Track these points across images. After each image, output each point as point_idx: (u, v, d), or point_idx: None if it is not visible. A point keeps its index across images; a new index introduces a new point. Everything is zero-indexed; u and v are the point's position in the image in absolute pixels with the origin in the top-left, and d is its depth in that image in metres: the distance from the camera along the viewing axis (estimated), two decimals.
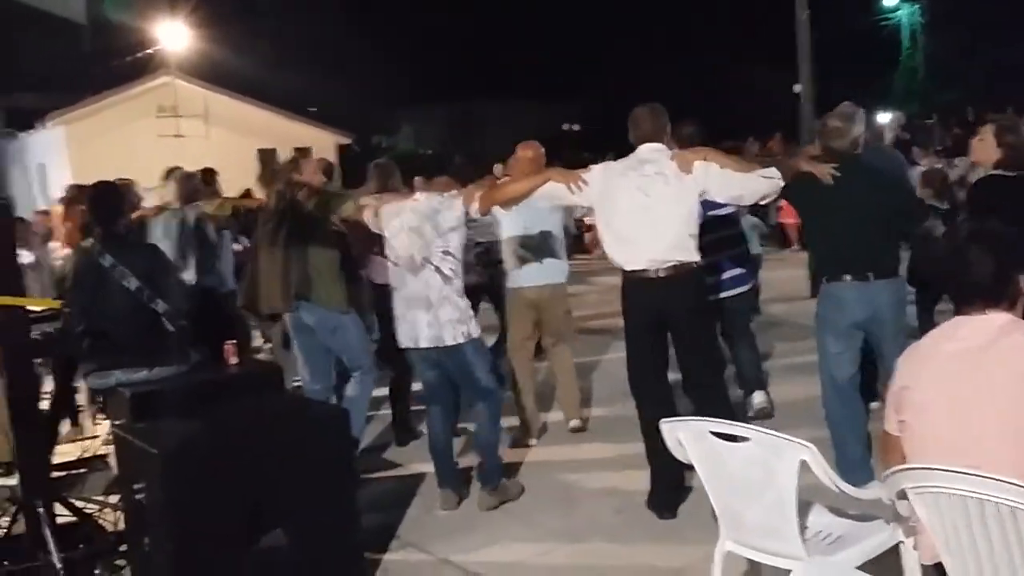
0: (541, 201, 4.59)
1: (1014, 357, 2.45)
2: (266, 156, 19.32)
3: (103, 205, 4.64)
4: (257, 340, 7.71)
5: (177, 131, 21.68)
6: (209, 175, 7.01)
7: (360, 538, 3.90)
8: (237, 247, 6.97)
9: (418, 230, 4.60)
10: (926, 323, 6.17)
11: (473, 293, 5.36)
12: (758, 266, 6.21)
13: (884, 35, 32.83)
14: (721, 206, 4.93)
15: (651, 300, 4.27)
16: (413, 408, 6.00)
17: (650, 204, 4.20)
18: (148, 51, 23.48)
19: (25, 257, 8.39)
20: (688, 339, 4.32)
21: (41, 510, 4.01)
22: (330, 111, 27.81)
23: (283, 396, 4.55)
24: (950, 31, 28.97)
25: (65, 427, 6.31)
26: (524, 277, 5.59)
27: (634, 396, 4.48)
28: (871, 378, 4.79)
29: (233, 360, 4.40)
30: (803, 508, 2.93)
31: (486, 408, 4.75)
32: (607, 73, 36.57)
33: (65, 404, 6.09)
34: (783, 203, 14.00)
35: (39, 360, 5.40)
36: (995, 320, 2.53)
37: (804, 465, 2.69)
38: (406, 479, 5.24)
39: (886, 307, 4.33)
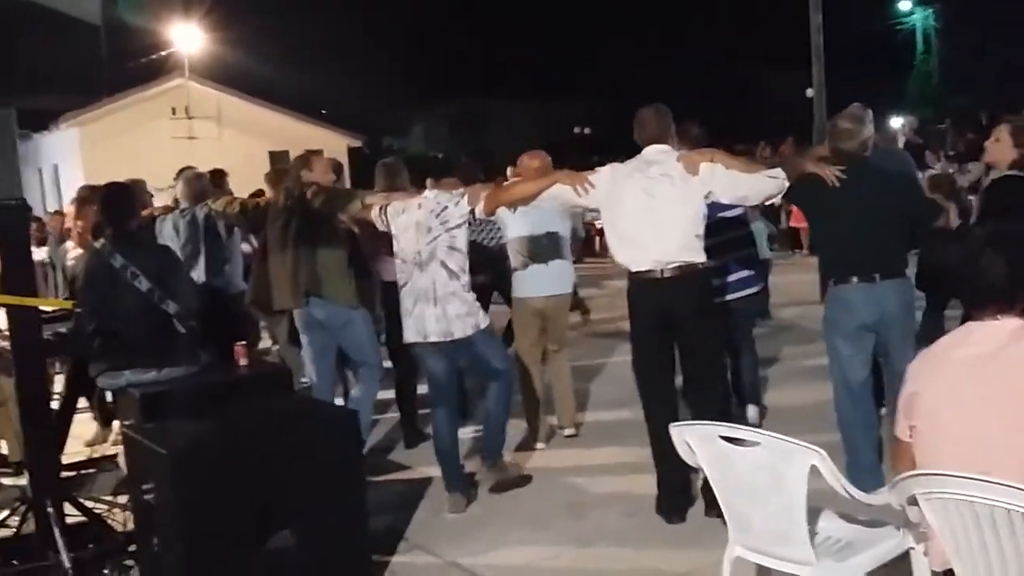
0: (547, 203, 4.59)
1: None
2: (278, 158, 19.44)
3: (115, 206, 4.66)
4: (265, 341, 7.72)
5: (190, 133, 21.80)
6: (219, 176, 7.04)
7: (368, 540, 3.89)
8: (246, 248, 7.00)
9: (424, 226, 4.63)
10: (934, 327, 6.13)
11: (482, 293, 5.37)
12: (768, 270, 6.18)
13: (898, 39, 32.73)
14: (729, 207, 4.91)
15: (657, 301, 4.26)
16: (420, 411, 6.01)
17: (656, 205, 4.20)
18: (162, 53, 23.64)
19: (38, 255, 8.47)
20: (693, 340, 4.31)
21: (51, 510, 4.03)
22: (341, 113, 27.92)
23: (292, 397, 4.57)
24: (963, 34, 28.86)
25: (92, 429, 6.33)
26: (530, 287, 5.57)
27: (641, 397, 4.47)
28: (880, 383, 4.76)
29: (243, 361, 4.41)
30: (813, 513, 2.91)
31: (497, 387, 4.81)
32: (618, 76, 36.56)
33: (76, 405, 6.10)
34: (795, 207, 14.01)
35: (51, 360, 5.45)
36: (1007, 325, 2.51)
37: (814, 470, 2.68)
38: (414, 481, 5.23)
39: (893, 309, 4.31)
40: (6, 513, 4.34)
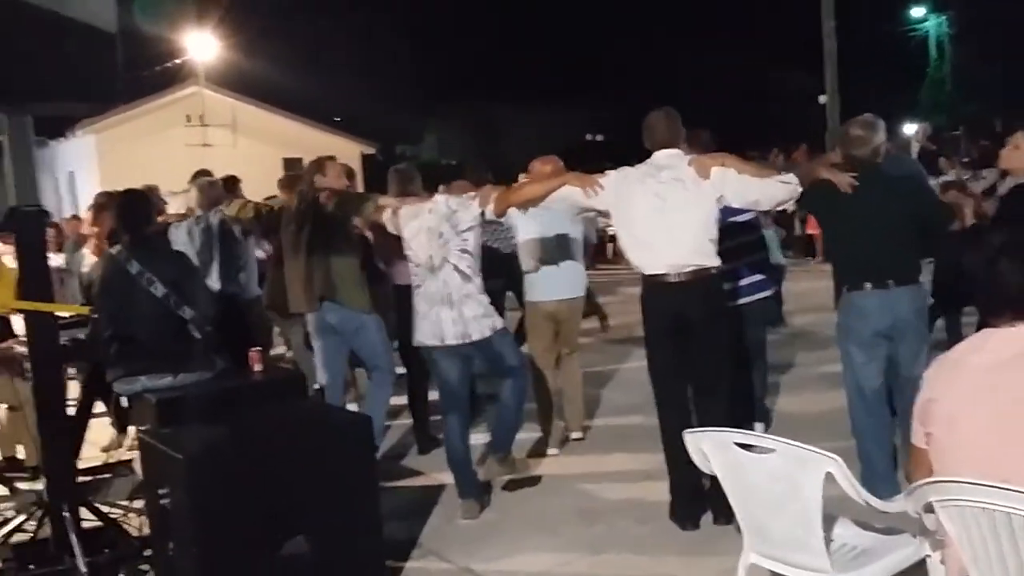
0: (556, 204, 4.59)
1: None
2: (292, 165, 19.52)
3: (131, 213, 4.69)
4: (279, 347, 7.75)
5: (204, 140, 21.94)
6: (232, 182, 7.07)
7: (381, 546, 3.89)
8: (261, 254, 7.03)
9: (436, 230, 4.65)
10: (952, 334, 6.11)
11: (495, 296, 5.38)
12: (781, 276, 6.15)
13: (911, 46, 32.63)
14: (740, 212, 4.90)
15: (669, 304, 4.26)
16: (433, 418, 6.02)
17: (668, 210, 4.20)
18: (177, 61, 23.81)
19: (55, 260, 8.52)
20: (704, 344, 4.30)
21: (67, 514, 4.05)
22: (354, 121, 28.03)
23: (306, 403, 4.58)
24: (976, 41, 28.75)
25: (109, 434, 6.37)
26: (542, 291, 5.58)
27: (656, 402, 4.47)
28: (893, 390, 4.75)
29: (257, 367, 4.43)
30: (828, 521, 2.89)
31: (512, 382, 4.82)
32: (631, 83, 36.54)
33: (92, 410, 6.14)
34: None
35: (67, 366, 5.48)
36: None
37: (829, 477, 2.67)
38: (427, 487, 5.24)
39: (907, 315, 4.30)
40: (23, 517, 4.36)
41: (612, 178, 4.38)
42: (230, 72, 24.82)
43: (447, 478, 5.04)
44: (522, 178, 7.66)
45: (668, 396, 4.41)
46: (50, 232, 9.28)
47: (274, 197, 7.54)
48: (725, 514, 3.98)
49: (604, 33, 40.22)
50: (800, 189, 4.27)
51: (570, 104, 37.38)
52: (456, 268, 4.63)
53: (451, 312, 4.63)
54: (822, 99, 18.78)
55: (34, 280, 4.11)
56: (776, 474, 2.79)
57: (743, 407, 5.58)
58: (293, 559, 3.51)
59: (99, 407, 6.21)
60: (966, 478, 2.31)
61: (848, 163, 4.39)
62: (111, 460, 5.63)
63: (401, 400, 6.23)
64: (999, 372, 2.48)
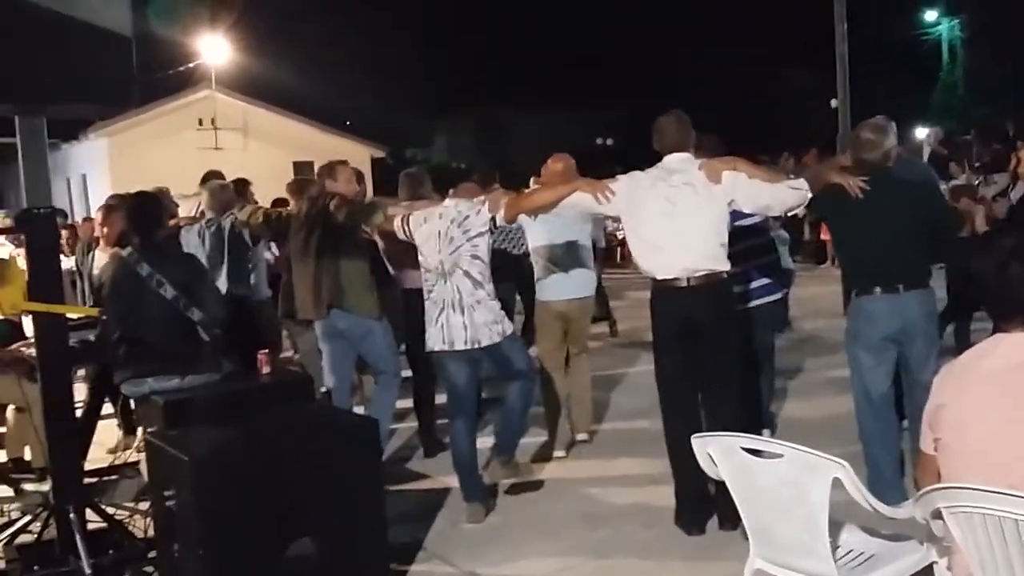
0: (567, 211, 4.57)
1: None
2: (302, 169, 19.58)
3: (142, 215, 4.70)
4: (286, 351, 7.76)
5: (216, 144, 22.01)
6: (242, 185, 7.09)
7: (387, 549, 3.89)
8: (269, 256, 7.04)
9: (447, 235, 4.64)
10: (962, 338, 6.08)
11: (505, 300, 5.37)
12: (790, 280, 6.13)
13: (923, 50, 32.51)
14: (747, 215, 4.89)
15: (680, 309, 4.25)
16: (438, 421, 6.01)
17: (678, 214, 4.19)
18: (189, 65, 23.91)
19: (67, 263, 8.56)
20: (715, 348, 4.28)
21: (72, 515, 4.06)
22: (364, 124, 28.09)
23: (313, 406, 4.57)
24: (988, 45, 28.62)
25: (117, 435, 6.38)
26: (552, 291, 5.58)
27: (662, 406, 4.45)
28: (901, 395, 4.72)
29: (265, 369, 4.43)
30: (835, 526, 2.88)
31: (519, 385, 4.81)
32: (641, 87, 36.53)
33: (99, 412, 6.15)
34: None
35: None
36: None
37: (837, 482, 2.65)
38: (432, 491, 5.23)
39: (917, 319, 4.29)
40: (28, 518, 4.38)
41: (623, 183, 4.37)
42: (242, 76, 24.91)
43: (452, 482, 5.03)
44: (533, 183, 7.68)
45: (675, 401, 4.39)
46: (64, 234, 9.36)
47: (282, 200, 7.57)
48: (731, 519, 3.96)
49: (615, 38, 40.25)
50: (810, 194, 4.25)
51: (580, 108, 37.42)
52: (467, 274, 4.62)
53: (461, 317, 4.62)
54: (834, 103, 18.74)
55: (44, 281, 4.12)
56: (783, 479, 2.77)
57: (751, 411, 5.58)
58: (298, 561, 3.51)
59: (107, 408, 6.23)
60: (974, 484, 2.30)
61: (858, 167, 4.37)
62: (117, 462, 5.63)
63: (407, 404, 6.22)
64: (1009, 377, 2.46)
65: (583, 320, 5.75)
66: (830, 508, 2.70)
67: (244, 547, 3.43)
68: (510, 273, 6.08)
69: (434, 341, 4.74)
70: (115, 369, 4.64)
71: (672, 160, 4.34)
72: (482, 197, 4.77)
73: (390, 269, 5.89)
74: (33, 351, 4.62)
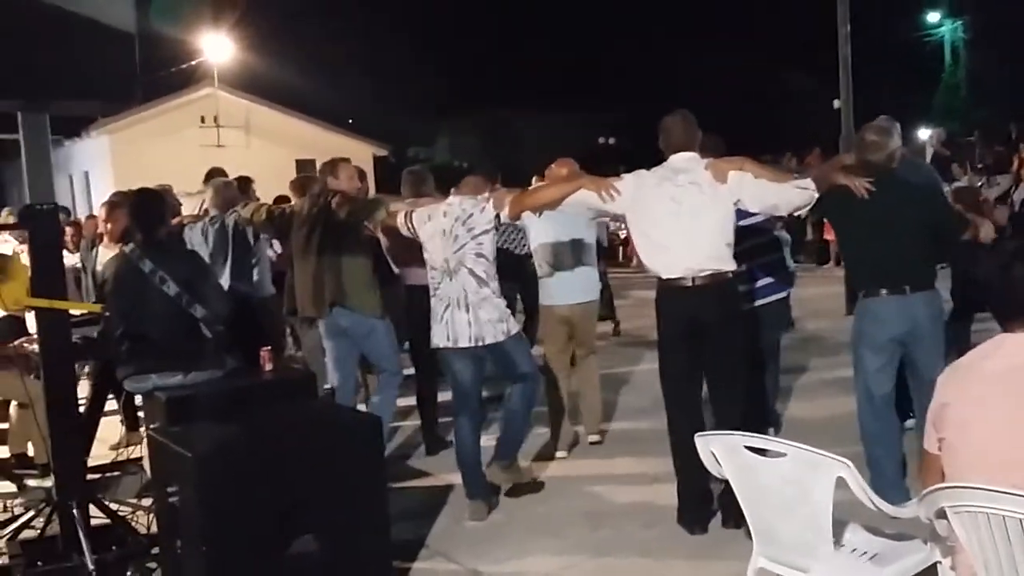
0: (571, 209, 4.57)
1: None
2: (304, 167, 19.58)
3: (145, 212, 4.71)
4: (289, 349, 7.76)
5: (218, 141, 22.03)
6: (245, 183, 7.09)
7: (389, 546, 3.89)
8: (272, 254, 7.04)
9: (451, 233, 4.64)
10: (962, 339, 6.07)
11: (507, 300, 5.37)
12: (792, 279, 6.13)
13: (926, 51, 32.48)
14: (751, 215, 4.89)
15: (685, 308, 4.24)
16: (441, 419, 6.02)
17: (684, 214, 4.18)
18: (192, 63, 23.93)
19: (71, 259, 8.57)
20: (720, 348, 4.28)
21: (75, 512, 4.06)
22: (367, 123, 28.10)
23: (315, 403, 4.58)
24: (991, 47, 28.60)
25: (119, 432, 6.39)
26: (557, 294, 5.57)
27: (666, 405, 4.45)
28: (905, 396, 4.72)
29: (268, 366, 4.44)
30: (838, 526, 2.88)
31: (522, 388, 4.81)
32: (643, 87, 36.51)
33: (103, 408, 6.16)
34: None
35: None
36: None
37: (840, 482, 2.65)
38: (435, 488, 5.23)
39: (924, 321, 4.29)
40: (31, 514, 4.37)
41: (628, 182, 4.36)
42: (245, 74, 24.94)
43: (455, 479, 5.03)
44: (536, 182, 7.67)
45: (679, 400, 4.38)
46: (69, 231, 9.37)
47: (284, 198, 7.57)
48: (735, 518, 3.96)
49: (618, 37, 40.23)
50: (817, 194, 4.25)
51: (583, 107, 37.39)
52: (472, 272, 4.62)
53: (466, 315, 4.63)
54: (836, 103, 18.70)
55: (47, 277, 4.12)
56: (787, 478, 2.77)
57: (756, 410, 5.59)
58: (301, 558, 3.51)
59: (110, 405, 6.24)
60: (977, 483, 2.30)
61: (863, 168, 4.37)
62: (120, 458, 5.64)
63: (409, 401, 6.23)
64: (1012, 377, 2.46)
65: (588, 323, 5.75)
66: (833, 507, 2.70)
67: (247, 544, 3.43)
68: (512, 272, 6.08)
69: (439, 338, 4.74)
70: (118, 365, 4.65)
71: (678, 159, 4.33)
72: (486, 194, 4.76)
73: (393, 266, 5.89)
74: (36, 347, 4.63)
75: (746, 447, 2.87)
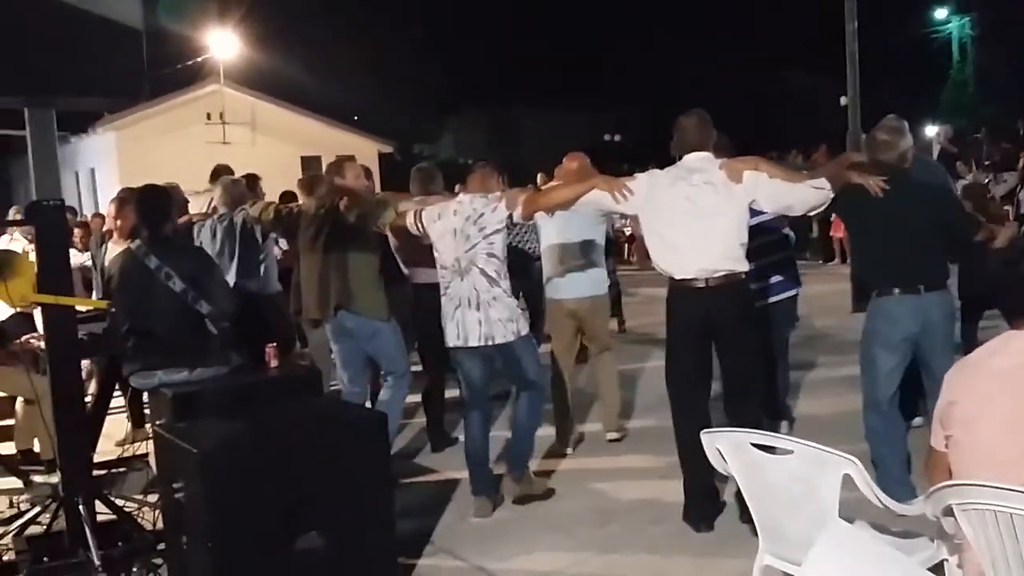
0: (584, 208, 4.55)
1: None
2: (310, 164, 19.60)
3: (150, 208, 4.71)
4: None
5: (224, 138, 22.05)
6: (252, 180, 7.10)
7: (395, 543, 3.89)
8: (277, 251, 7.05)
9: (462, 232, 4.61)
10: (970, 337, 6.06)
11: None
12: (798, 277, 6.13)
13: (934, 48, 32.38)
14: (761, 213, 4.87)
15: (698, 309, 4.22)
16: (446, 416, 6.02)
17: (699, 213, 4.16)
18: (198, 59, 23.95)
19: (79, 258, 8.58)
20: (734, 349, 4.27)
21: (81, 507, 4.07)
22: (372, 120, 28.12)
23: (321, 399, 4.58)
24: (999, 44, 28.50)
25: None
26: (564, 289, 5.57)
27: (672, 405, 4.44)
28: (914, 394, 4.70)
29: (274, 363, 4.44)
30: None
31: (529, 397, 4.79)
32: (648, 84, 36.50)
33: (108, 404, 6.18)
34: (835, 217, 13.90)
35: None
36: None
37: (847, 479, 2.64)
38: (440, 485, 5.24)
39: (937, 320, 4.28)
40: (37, 510, 4.39)
41: (641, 182, 4.34)
42: (250, 70, 24.95)
43: (460, 476, 5.03)
44: (540, 179, 7.66)
45: (685, 399, 4.37)
46: (78, 232, 9.39)
47: (290, 193, 7.58)
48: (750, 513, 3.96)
49: (622, 35, 40.17)
50: (832, 194, 4.24)
51: (588, 105, 37.37)
52: (483, 272, 4.59)
53: (477, 314, 4.60)
54: (843, 100, 18.64)
55: (53, 274, 4.13)
56: (793, 475, 2.77)
57: (768, 407, 5.59)
58: (306, 554, 3.51)
59: (116, 401, 6.25)
60: (984, 480, 2.29)
61: (875, 167, 4.35)
62: (126, 454, 5.65)
63: (415, 398, 6.22)
64: (1019, 374, 2.46)
65: (596, 319, 5.71)
66: (840, 505, 2.69)
67: (252, 540, 3.43)
68: (518, 270, 6.08)
69: (450, 337, 4.72)
70: (124, 361, 4.65)
71: (692, 159, 4.30)
72: (498, 193, 4.72)
73: (401, 266, 5.87)
74: (42, 343, 4.64)
75: (752, 444, 2.86)
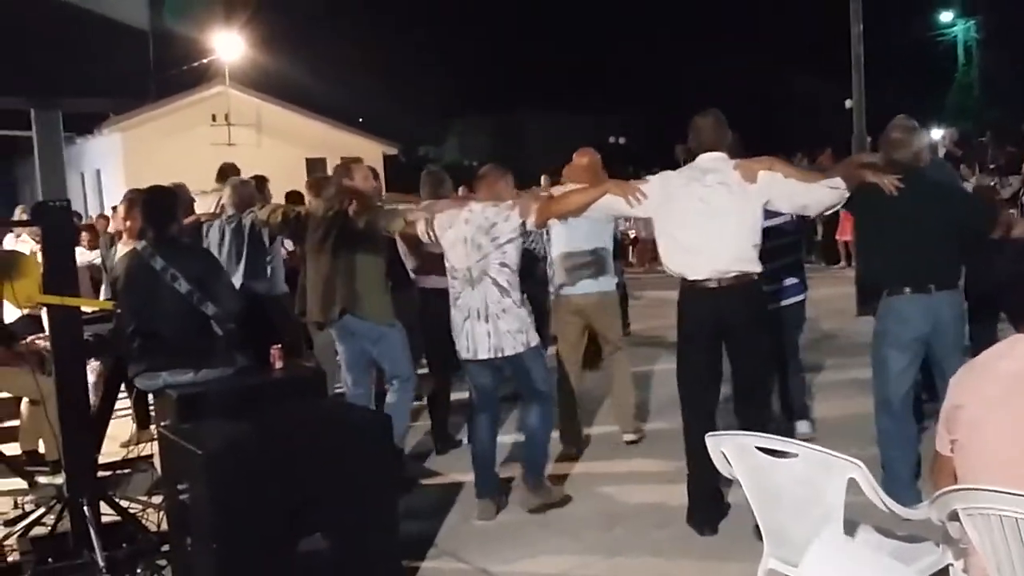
0: (597, 213, 4.52)
1: None
2: (315, 165, 19.61)
3: (156, 209, 4.71)
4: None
5: (229, 140, 22.09)
6: (261, 182, 7.10)
7: (398, 545, 3.89)
8: (284, 252, 7.06)
9: (474, 242, 4.57)
10: (982, 339, 6.03)
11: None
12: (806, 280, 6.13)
13: (939, 51, 32.35)
14: (774, 216, 4.86)
15: (710, 310, 4.20)
16: (450, 418, 6.01)
17: (712, 214, 4.13)
18: (203, 61, 24.01)
19: (88, 256, 8.58)
20: (745, 351, 4.25)
21: (86, 508, 4.07)
22: (377, 122, 28.14)
23: (325, 401, 4.58)
24: (1004, 47, 28.47)
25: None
26: (571, 285, 5.56)
27: (682, 406, 4.41)
28: (919, 398, 4.69)
29: (278, 364, 4.44)
30: (850, 527, 2.86)
31: (538, 409, 4.76)
32: (652, 87, 36.51)
33: (113, 405, 6.18)
34: (841, 221, 13.89)
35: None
36: None
37: (852, 483, 2.64)
38: (444, 488, 5.23)
39: (947, 319, 4.27)
40: (42, 511, 4.39)
41: (654, 184, 4.31)
42: (256, 72, 25.01)
43: (464, 478, 5.03)
44: (543, 181, 7.65)
45: (696, 401, 4.34)
46: (86, 236, 9.41)
47: (295, 193, 7.58)
48: None
49: (626, 38, 40.19)
50: (848, 193, 4.22)
51: (593, 107, 37.39)
52: (495, 282, 4.55)
53: (486, 326, 4.56)
54: (848, 103, 18.63)
55: (59, 275, 4.13)
56: (798, 479, 2.76)
57: (787, 409, 5.62)
58: (310, 556, 3.51)
59: (122, 403, 6.25)
60: (989, 485, 2.28)
61: (890, 166, 4.34)
62: (131, 455, 5.65)
63: (420, 400, 6.22)
64: None
65: (604, 316, 5.66)
66: (845, 509, 2.69)
67: (256, 541, 3.43)
68: (523, 271, 6.08)
69: (461, 350, 4.69)
70: (129, 362, 4.66)
71: (706, 159, 4.28)
72: (510, 202, 4.66)
73: (409, 270, 5.87)
74: (47, 344, 4.64)
75: (757, 448, 2.85)
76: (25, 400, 5.89)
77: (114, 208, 13.29)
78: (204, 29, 23.38)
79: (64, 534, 4.18)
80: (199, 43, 23.63)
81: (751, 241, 4.18)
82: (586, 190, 4.56)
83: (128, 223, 6.49)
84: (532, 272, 6.38)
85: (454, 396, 6.10)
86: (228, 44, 23.60)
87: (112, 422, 6.03)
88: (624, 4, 39.75)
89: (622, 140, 37.10)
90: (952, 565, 2.74)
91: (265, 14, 25.05)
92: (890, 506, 2.70)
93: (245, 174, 7.07)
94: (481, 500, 4.76)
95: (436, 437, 6.00)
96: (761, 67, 34.70)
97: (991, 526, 2.27)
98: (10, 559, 4.24)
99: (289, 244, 7.09)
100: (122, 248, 6.45)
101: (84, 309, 4.70)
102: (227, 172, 6.93)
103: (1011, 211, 7.70)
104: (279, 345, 4.59)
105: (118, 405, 6.18)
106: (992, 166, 14.52)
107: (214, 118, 22.75)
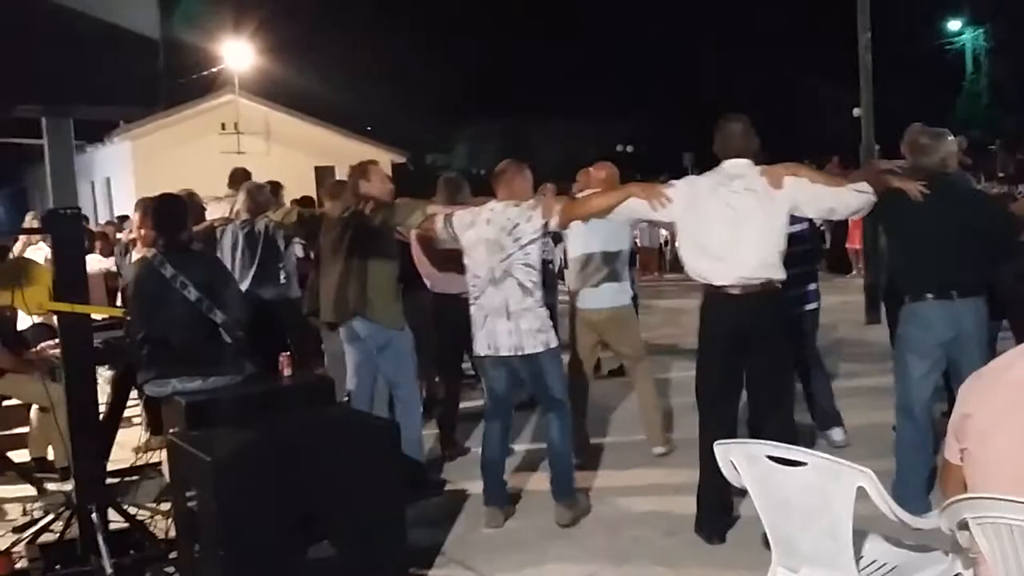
0: (619, 216, 4.51)
1: None
2: (324, 174, 19.65)
3: (166, 216, 4.73)
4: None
5: (239, 148, 22.15)
6: (275, 188, 7.12)
7: (406, 553, 3.89)
8: (298, 254, 7.08)
9: (496, 243, 4.55)
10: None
11: None
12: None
13: (948, 59, 32.32)
14: (798, 222, 4.85)
15: (734, 317, 4.17)
16: (458, 426, 6.01)
17: (740, 220, 4.11)
18: (213, 69, 24.11)
19: (104, 263, 8.61)
20: (768, 357, 4.22)
21: (94, 515, 4.08)
22: (386, 130, 28.21)
23: (333, 409, 4.58)
24: (1013, 55, 28.43)
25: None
26: (585, 299, 5.55)
27: (700, 412, 4.37)
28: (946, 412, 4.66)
29: (287, 372, 4.45)
30: (859, 536, 2.85)
31: (557, 419, 4.71)
32: (660, 95, 36.53)
33: (122, 412, 6.20)
34: (851, 229, 13.82)
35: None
36: None
37: (861, 491, 2.62)
38: (452, 495, 5.23)
39: (970, 326, 4.25)
40: (51, 518, 4.41)
41: (680, 189, 4.29)
42: (265, 81, 25.11)
43: (472, 487, 5.02)
44: (550, 187, 7.65)
45: (715, 408, 4.30)
46: (98, 245, 9.45)
47: (307, 198, 7.60)
48: None
49: (635, 45, 40.22)
50: (874, 197, 4.22)
51: (599, 115, 37.41)
52: (519, 282, 4.53)
53: (507, 323, 4.55)
54: (856, 111, 18.58)
55: (69, 282, 4.15)
56: (807, 487, 2.75)
57: (819, 417, 5.61)
58: (318, 564, 3.52)
59: (130, 410, 6.27)
60: (999, 494, 2.27)
61: (915, 172, 4.33)
62: (140, 462, 5.67)
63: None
64: None
65: (618, 329, 5.63)
66: (854, 518, 2.67)
67: (264, 549, 3.43)
68: None
69: (480, 347, 4.67)
70: (139, 369, 4.67)
71: (732, 165, 4.25)
72: (532, 202, 4.65)
73: (423, 275, 5.87)
74: (57, 351, 4.66)
75: (767, 456, 2.84)
76: (34, 407, 5.92)
77: (119, 217, 13.37)
78: (213, 38, 23.53)
79: (72, 541, 4.19)
80: (208, 52, 23.78)
81: (777, 247, 4.15)
82: (610, 192, 4.57)
83: (142, 231, 6.52)
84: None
85: (462, 405, 6.10)
86: (237, 53, 23.71)
87: (121, 429, 6.06)
88: (633, 12, 39.82)
89: (630, 148, 37.12)
90: (961, 574, 2.72)
91: (274, 22, 25.20)
92: (899, 515, 2.68)
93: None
94: (489, 508, 4.75)
95: (443, 444, 6.00)
96: (769, 75, 34.70)
97: (1001, 535, 2.25)
98: (19, 565, 4.25)
99: (300, 250, 7.10)
100: (136, 256, 6.48)
101: (95, 316, 4.72)
102: (239, 177, 6.95)
103: None
104: (287, 352, 4.60)
105: (128, 412, 6.20)
106: (1001, 174, 14.47)
107: (223, 126, 22.82)
